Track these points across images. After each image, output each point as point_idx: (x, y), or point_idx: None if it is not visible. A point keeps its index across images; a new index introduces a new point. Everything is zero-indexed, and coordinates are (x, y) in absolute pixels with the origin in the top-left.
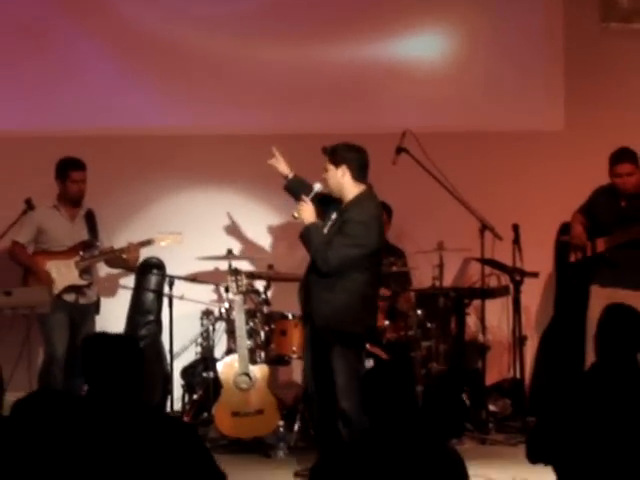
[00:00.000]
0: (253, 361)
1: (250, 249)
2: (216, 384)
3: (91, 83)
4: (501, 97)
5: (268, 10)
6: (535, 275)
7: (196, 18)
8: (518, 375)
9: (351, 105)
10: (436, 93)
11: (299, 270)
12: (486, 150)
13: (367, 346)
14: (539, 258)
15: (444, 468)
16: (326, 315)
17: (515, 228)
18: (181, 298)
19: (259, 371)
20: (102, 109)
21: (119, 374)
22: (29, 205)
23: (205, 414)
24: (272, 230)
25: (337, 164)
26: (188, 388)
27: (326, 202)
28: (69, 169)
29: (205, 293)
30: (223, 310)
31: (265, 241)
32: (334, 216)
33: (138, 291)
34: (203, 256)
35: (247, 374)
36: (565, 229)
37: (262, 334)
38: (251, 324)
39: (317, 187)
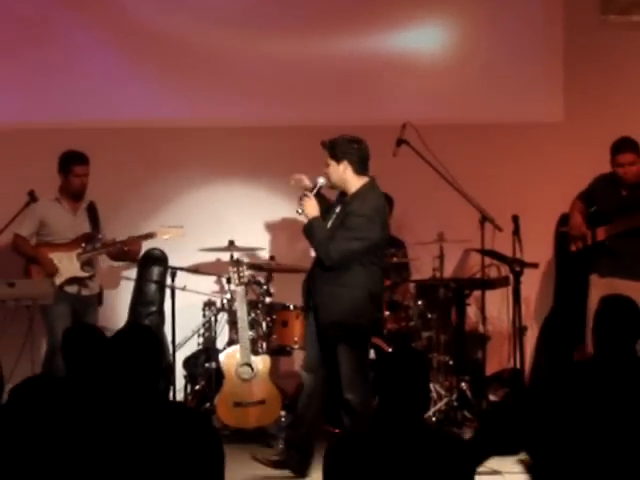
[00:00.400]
0: (255, 352)
1: (252, 241)
2: (218, 374)
3: (93, 75)
4: (501, 89)
5: (269, 2)
6: (535, 266)
7: (201, 12)
8: (518, 365)
9: (351, 97)
10: (436, 85)
11: (300, 262)
12: (486, 141)
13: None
14: (539, 249)
15: (453, 456)
16: (331, 309)
17: (515, 219)
18: (183, 289)
19: (261, 361)
20: (104, 101)
21: (137, 364)
22: (32, 197)
23: (207, 404)
24: (274, 221)
25: (338, 159)
26: (190, 378)
27: (325, 204)
28: (72, 163)
29: (207, 284)
30: (225, 301)
31: (267, 232)
32: (338, 209)
33: (141, 282)
34: (205, 247)
35: (249, 364)
36: (565, 220)
37: (264, 325)
38: (253, 315)
39: (320, 181)
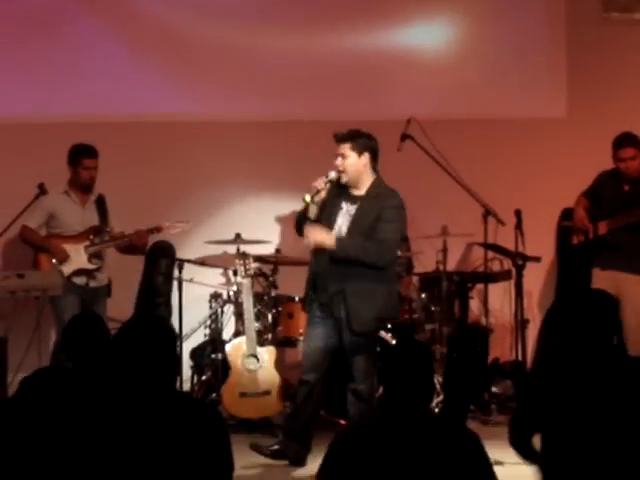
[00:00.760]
0: (261, 343)
1: (258, 233)
2: (224, 365)
3: (103, 69)
4: (504, 85)
5: None
6: (537, 260)
7: (208, 6)
8: (520, 357)
9: (357, 92)
10: (440, 81)
11: (306, 254)
12: (489, 137)
13: None
14: (541, 243)
15: (464, 450)
16: (369, 305)
17: (518, 213)
18: (190, 281)
19: (267, 353)
20: (113, 95)
21: (149, 356)
22: (42, 190)
23: (213, 395)
24: (280, 214)
25: (360, 151)
26: (197, 369)
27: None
28: (81, 156)
29: (214, 276)
30: (231, 293)
31: (273, 225)
32: (345, 206)
33: (148, 274)
34: (212, 240)
35: (255, 355)
36: (567, 214)
37: (269, 317)
38: (259, 307)
39: (332, 175)
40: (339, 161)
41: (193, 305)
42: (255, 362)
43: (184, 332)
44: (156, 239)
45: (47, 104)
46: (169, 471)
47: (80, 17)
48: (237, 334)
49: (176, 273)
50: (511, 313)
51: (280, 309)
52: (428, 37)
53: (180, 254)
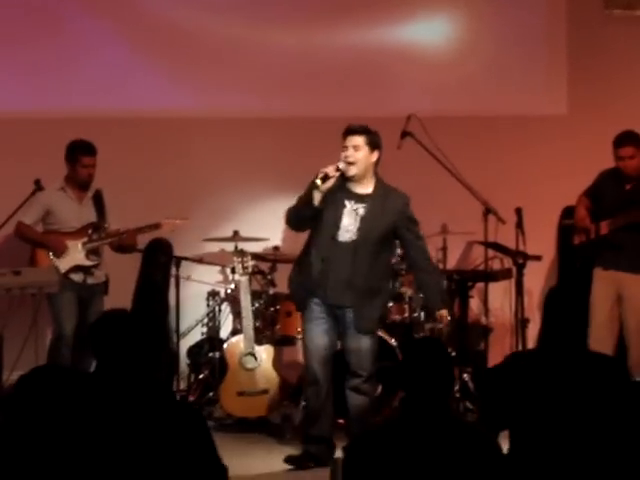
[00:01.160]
0: (259, 341)
1: (256, 231)
2: (222, 364)
3: (100, 65)
4: (505, 82)
5: None
6: (538, 258)
7: (209, 3)
8: None
9: (357, 89)
10: (440, 77)
11: None
12: (490, 134)
13: None
14: (542, 241)
15: (479, 450)
16: (379, 303)
17: (518, 212)
18: (188, 279)
19: (264, 351)
20: (110, 91)
21: (127, 352)
22: (38, 186)
23: (211, 393)
24: (278, 212)
25: (372, 147)
26: (194, 367)
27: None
28: (80, 153)
29: (211, 274)
30: (229, 291)
31: (271, 223)
32: (349, 204)
33: (145, 272)
34: (209, 237)
35: (252, 354)
36: (568, 213)
37: (267, 315)
38: (257, 305)
39: (342, 165)
40: (350, 152)
41: (190, 303)
42: (253, 361)
43: (181, 330)
44: (153, 236)
45: (43, 99)
46: (153, 475)
47: (77, 13)
48: (235, 332)
49: (173, 271)
50: (511, 312)
51: (278, 307)
52: (429, 34)
53: (177, 251)
